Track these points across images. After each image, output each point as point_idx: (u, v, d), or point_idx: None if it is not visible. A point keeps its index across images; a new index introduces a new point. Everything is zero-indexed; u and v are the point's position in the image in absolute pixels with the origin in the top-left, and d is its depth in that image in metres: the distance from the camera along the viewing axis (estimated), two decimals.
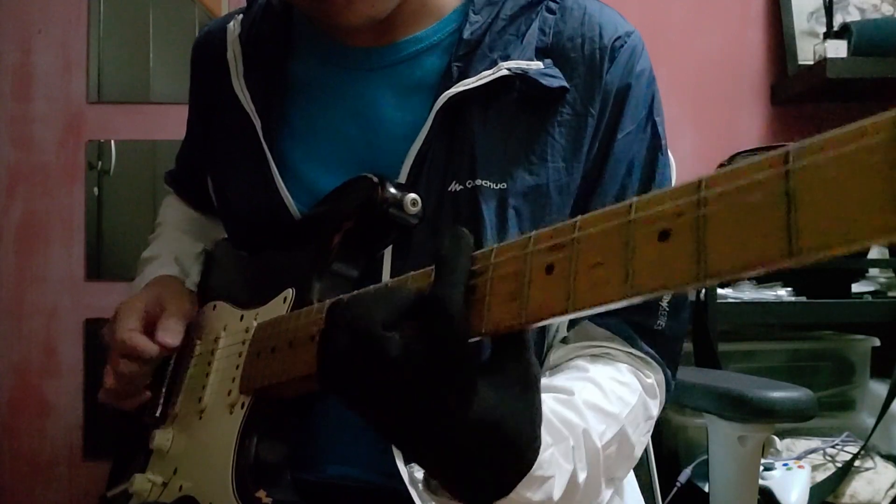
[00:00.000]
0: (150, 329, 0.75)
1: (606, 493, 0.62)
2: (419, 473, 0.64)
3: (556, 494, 0.51)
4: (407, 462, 0.62)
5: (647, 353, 0.67)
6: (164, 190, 1.01)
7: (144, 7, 1.76)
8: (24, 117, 1.75)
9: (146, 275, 0.85)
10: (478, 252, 0.45)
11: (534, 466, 0.47)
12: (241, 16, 0.82)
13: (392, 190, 0.65)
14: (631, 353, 0.67)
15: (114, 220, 1.75)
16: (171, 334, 0.73)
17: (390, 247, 0.68)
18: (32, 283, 1.74)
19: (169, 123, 1.74)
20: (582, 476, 0.56)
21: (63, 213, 1.74)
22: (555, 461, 0.52)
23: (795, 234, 0.29)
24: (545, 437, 0.49)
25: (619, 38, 0.70)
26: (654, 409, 0.67)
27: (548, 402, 0.55)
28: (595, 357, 0.68)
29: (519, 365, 0.45)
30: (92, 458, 1.71)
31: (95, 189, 1.75)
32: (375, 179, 0.66)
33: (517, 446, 0.45)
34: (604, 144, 0.69)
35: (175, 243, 0.90)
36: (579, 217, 0.39)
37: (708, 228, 0.32)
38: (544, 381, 0.63)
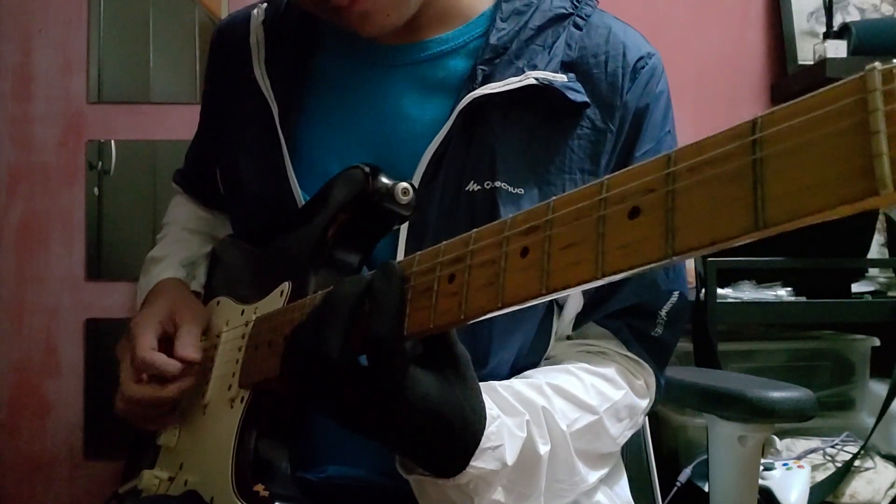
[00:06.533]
0: (166, 344, 0.73)
1: (591, 476, 0.66)
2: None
3: (510, 459, 0.55)
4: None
5: (639, 355, 0.70)
6: (170, 190, 1.00)
7: (144, 7, 1.76)
8: (24, 117, 1.75)
9: (153, 276, 0.84)
10: (455, 239, 0.46)
11: (482, 440, 0.53)
12: (265, 4, 0.82)
13: (383, 180, 0.65)
14: (625, 356, 0.71)
15: (114, 220, 1.75)
16: (190, 349, 0.71)
17: (405, 231, 0.68)
18: (32, 283, 1.74)
19: (169, 123, 1.74)
20: (543, 449, 0.59)
21: (63, 213, 1.74)
22: (504, 430, 0.56)
23: (762, 205, 0.28)
24: (492, 410, 0.55)
25: (641, 58, 0.71)
26: (643, 406, 0.71)
27: (513, 383, 0.62)
28: (589, 354, 0.71)
29: (447, 353, 0.51)
30: (92, 458, 1.71)
31: (95, 189, 1.75)
32: (367, 170, 0.65)
33: (457, 428, 0.51)
34: (622, 161, 0.70)
35: (183, 243, 0.90)
36: (554, 198, 0.39)
37: (676, 204, 0.31)
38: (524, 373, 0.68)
